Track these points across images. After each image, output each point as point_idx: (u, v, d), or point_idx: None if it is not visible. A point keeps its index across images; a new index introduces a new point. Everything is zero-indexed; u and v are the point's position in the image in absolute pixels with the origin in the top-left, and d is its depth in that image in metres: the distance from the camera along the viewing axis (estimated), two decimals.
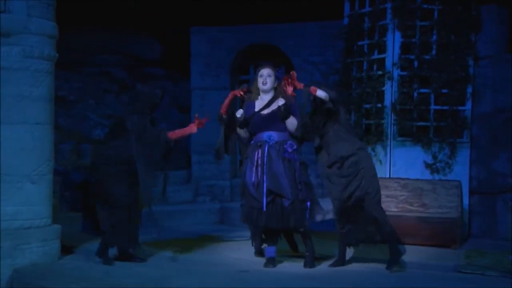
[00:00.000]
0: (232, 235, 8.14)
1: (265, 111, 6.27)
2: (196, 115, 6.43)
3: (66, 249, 6.48)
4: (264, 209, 6.07)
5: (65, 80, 11.57)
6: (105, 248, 6.25)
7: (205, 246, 7.45)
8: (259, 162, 6.18)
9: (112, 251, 6.32)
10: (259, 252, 6.71)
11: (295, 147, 6.23)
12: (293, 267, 6.26)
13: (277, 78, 6.35)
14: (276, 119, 6.22)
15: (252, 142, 6.33)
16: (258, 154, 6.21)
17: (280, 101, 6.20)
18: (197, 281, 5.51)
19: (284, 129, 6.26)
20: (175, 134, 6.32)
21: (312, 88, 6.10)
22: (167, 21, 11.73)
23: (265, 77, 6.30)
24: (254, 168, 6.18)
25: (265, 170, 6.13)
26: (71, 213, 8.23)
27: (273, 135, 6.22)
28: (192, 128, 6.35)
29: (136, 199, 6.21)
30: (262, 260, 6.34)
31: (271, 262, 6.23)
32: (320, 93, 6.08)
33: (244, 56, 10.76)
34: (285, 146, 6.21)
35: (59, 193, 8.35)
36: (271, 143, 6.19)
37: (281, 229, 6.36)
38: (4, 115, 5.94)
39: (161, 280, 5.51)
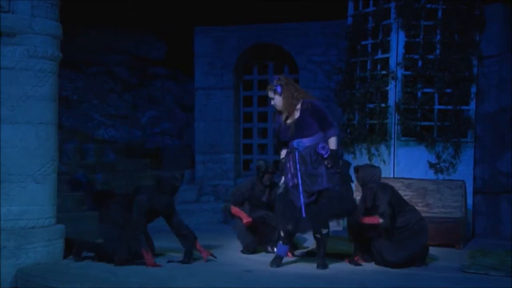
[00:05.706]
0: (235, 235, 8.12)
1: (289, 121, 6.25)
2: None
3: (71, 249, 6.47)
4: (304, 215, 6.12)
5: (68, 80, 11.59)
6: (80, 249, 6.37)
7: (209, 245, 7.44)
8: (292, 170, 6.20)
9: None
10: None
11: (327, 148, 6.19)
12: (297, 267, 6.26)
13: (276, 91, 6.27)
14: (302, 127, 6.18)
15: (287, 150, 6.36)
16: (290, 161, 6.23)
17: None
18: (202, 280, 5.51)
19: (314, 133, 6.21)
20: None
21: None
22: (171, 21, 11.73)
23: (271, 99, 6.33)
24: (289, 175, 6.22)
25: (299, 176, 6.15)
26: (74, 212, 8.24)
27: (302, 141, 6.20)
28: None
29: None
30: (267, 260, 6.34)
31: (277, 260, 6.23)
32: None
33: (247, 56, 10.76)
34: (317, 149, 6.20)
35: (63, 192, 8.35)
36: (300, 149, 6.18)
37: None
38: (8, 114, 5.95)
39: (166, 279, 5.51)
